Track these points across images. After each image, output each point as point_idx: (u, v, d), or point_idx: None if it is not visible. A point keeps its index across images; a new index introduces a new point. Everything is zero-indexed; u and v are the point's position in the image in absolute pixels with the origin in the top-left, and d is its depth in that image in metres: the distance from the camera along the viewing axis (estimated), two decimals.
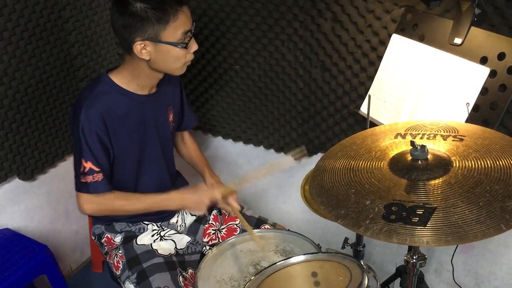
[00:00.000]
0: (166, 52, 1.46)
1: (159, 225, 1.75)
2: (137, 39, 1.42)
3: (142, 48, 1.43)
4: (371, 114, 1.58)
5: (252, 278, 1.33)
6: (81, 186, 1.54)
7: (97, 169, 1.51)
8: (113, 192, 1.58)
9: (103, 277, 2.44)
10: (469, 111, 1.36)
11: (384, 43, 1.67)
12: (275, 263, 1.36)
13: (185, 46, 1.47)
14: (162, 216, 1.76)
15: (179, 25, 1.43)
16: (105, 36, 2.24)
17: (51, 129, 2.11)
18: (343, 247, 1.80)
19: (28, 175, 2.09)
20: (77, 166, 1.53)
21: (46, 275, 1.97)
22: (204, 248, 1.79)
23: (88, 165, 1.50)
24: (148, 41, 1.42)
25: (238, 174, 2.56)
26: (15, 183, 2.10)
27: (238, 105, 2.22)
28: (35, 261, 1.90)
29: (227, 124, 2.33)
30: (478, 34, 1.39)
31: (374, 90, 1.66)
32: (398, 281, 1.80)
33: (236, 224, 1.80)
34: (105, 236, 1.72)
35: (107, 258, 1.72)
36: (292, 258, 1.36)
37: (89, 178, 1.51)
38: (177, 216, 1.82)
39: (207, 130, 2.42)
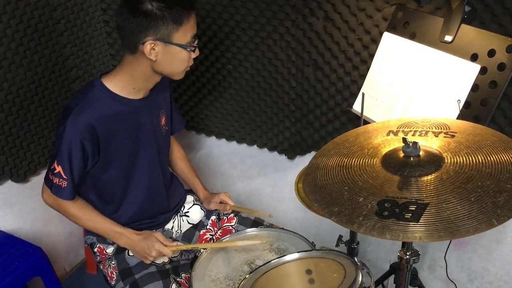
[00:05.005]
0: (174, 54, 1.44)
1: None
2: (148, 38, 1.39)
3: (151, 48, 1.41)
4: (363, 112, 1.59)
5: (247, 276, 1.33)
6: (47, 181, 1.53)
7: (64, 176, 1.48)
8: (74, 200, 1.56)
9: (97, 278, 2.43)
10: (460, 108, 1.37)
11: (376, 41, 1.68)
12: (270, 262, 1.36)
13: (193, 50, 1.47)
14: (156, 224, 1.75)
15: (189, 28, 1.43)
16: (97, 36, 2.24)
17: (44, 130, 2.10)
18: (337, 245, 1.81)
19: (21, 177, 2.08)
20: (50, 162, 1.51)
21: (40, 277, 1.96)
22: (198, 252, 1.78)
23: (59, 168, 1.48)
24: (159, 41, 1.40)
25: (231, 173, 2.57)
26: (8, 185, 2.09)
27: (231, 104, 2.22)
28: (29, 263, 1.89)
29: (220, 124, 2.33)
30: (468, 32, 1.40)
31: (366, 88, 1.66)
32: (392, 278, 1.81)
33: (231, 226, 1.80)
34: (97, 246, 1.71)
35: (101, 267, 1.71)
36: (286, 256, 1.37)
37: (55, 180, 1.50)
38: (173, 222, 1.81)
39: (200, 130, 2.42)
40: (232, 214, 1.83)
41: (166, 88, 1.72)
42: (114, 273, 1.64)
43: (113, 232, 1.61)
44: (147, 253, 1.56)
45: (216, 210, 1.84)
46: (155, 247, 1.55)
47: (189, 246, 1.66)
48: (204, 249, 1.64)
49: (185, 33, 1.43)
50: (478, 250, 1.99)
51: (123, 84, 1.52)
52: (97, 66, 2.28)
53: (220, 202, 1.82)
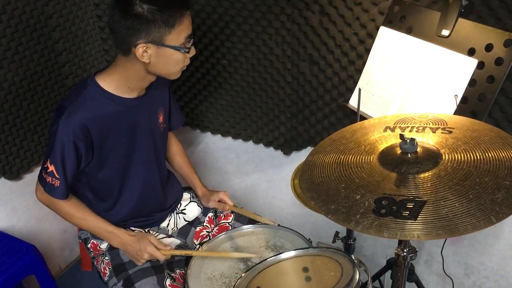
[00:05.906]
0: (168, 56, 1.41)
1: (146, 231, 1.72)
2: (139, 41, 1.35)
3: (143, 51, 1.37)
4: (360, 108, 1.57)
5: (243, 274, 1.33)
6: (41, 179, 1.51)
7: (57, 176, 1.46)
8: (68, 199, 1.54)
9: (93, 275, 2.41)
10: (458, 103, 1.36)
11: (372, 36, 1.66)
12: (266, 259, 1.35)
13: (188, 51, 1.43)
14: (151, 222, 1.74)
15: (183, 29, 1.39)
16: (90, 31, 2.21)
17: (37, 127, 2.08)
18: (333, 241, 1.80)
19: (14, 174, 2.06)
20: (44, 160, 1.49)
21: (35, 275, 1.95)
22: (194, 248, 1.77)
23: (52, 168, 1.46)
24: (151, 44, 1.37)
25: (227, 169, 2.56)
26: (1, 183, 2.07)
27: (226, 100, 2.20)
28: (23, 261, 1.87)
29: (216, 119, 2.31)
30: (465, 26, 1.39)
31: (362, 83, 1.65)
32: (389, 273, 1.81)
33: (228, 223, 1.79)
34: (91, 242, 1.69)
35: (95, 263, 1.70)
36: (283, 254, 1.36)
37: (48, 179, 1.48)
38: (169, 220, 1.80)
39: (195, 126, 2.40)
40: (229, 211, 1.82)
41: (164, 85, 1.69)
42: (107, 268, 1.63)
43: (106, 231, 1.60)
44: (139, 255, 1.55)
45: (214, 208, 1.83)
46: (148, 250, 1.53)
47: (182, 252, 1.64)
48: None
49: (179, 34, 1.38)
50: (475, 245, 1.99)
51: (117, 83, 1.49)
52: (90, 62, 2.25)
53: (219, 201, 1.80)
